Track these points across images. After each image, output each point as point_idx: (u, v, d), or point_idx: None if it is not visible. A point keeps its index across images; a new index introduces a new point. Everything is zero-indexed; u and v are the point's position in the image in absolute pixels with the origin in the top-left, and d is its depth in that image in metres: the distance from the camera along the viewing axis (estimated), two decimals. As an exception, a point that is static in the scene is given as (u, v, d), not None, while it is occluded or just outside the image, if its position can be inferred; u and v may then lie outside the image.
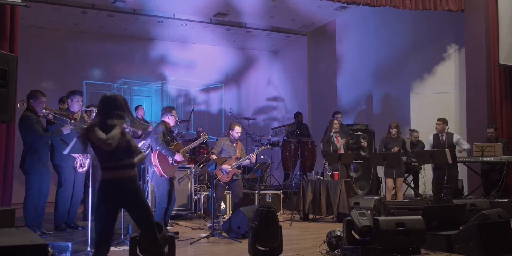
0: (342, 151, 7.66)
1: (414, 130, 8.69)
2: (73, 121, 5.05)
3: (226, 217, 6.36)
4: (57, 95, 6.59)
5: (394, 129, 7.48)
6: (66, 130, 4.89)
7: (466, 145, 7.51)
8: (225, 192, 7.01)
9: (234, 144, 6.63)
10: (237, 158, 6.53)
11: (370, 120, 10.00)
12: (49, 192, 5.04)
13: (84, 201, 5.46)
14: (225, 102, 12.70)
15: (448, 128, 7.57)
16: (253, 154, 6.58)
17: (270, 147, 7.38)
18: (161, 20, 10.58)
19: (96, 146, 3.14)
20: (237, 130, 6.59)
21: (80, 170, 5.06)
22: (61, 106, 6.14)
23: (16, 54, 5.19)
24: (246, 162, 6.61)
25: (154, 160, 5.66)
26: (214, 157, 6.45)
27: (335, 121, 7.77)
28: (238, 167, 6.56)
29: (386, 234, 4.42)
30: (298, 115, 10.12)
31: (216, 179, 6.45)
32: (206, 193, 7.58)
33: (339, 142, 7.67)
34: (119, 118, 3.20)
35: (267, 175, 9.24)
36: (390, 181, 7.37)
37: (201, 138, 6.43)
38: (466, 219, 5.07)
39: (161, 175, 5.69)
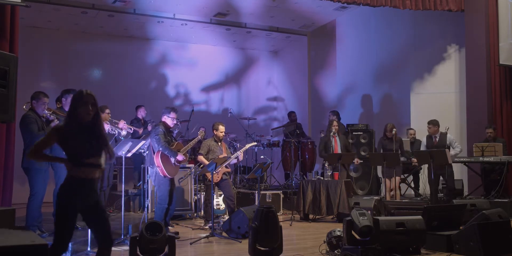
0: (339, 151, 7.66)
1: (409, 129, 8.70)
2: None
3: (226, 217, 6.35)
4: (57, 95, 6.55)
5: (390, 132, 7.54)
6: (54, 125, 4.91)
7: (454, 150, 7.46)
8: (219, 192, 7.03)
9: (219, 144, 6.66)
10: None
11: (370, 120, 10.00)
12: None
13: None
14: (225, 102, 12.70)
15: (448, 128, 7.57)
16: (241, 152, 6.58)
17: (255, 143, 7.43)
18: (161, 20, 10.58)
19: (62, 141, 2.95)
20: (221, 130, 6.61)
21: None
22: (58, 106, 6.14)
23: (16, 54, 5.18)
24: (234, 161, 6.67)
25: (157, 161, 5.67)
26: (202, 158, 6.49)
27: (335, 122, 7.76)
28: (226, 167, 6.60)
29: (386, 234, 4.43)
30: (290, 114, 10.22)
31: (207, 180, 6.46)
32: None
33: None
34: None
35: (267, 175, 9.23)
36: (388, 181, 7.39)
37: (198, 136, 6.44)
38: (466, 219, 5.08)
39: (165, 176, 5.71)
